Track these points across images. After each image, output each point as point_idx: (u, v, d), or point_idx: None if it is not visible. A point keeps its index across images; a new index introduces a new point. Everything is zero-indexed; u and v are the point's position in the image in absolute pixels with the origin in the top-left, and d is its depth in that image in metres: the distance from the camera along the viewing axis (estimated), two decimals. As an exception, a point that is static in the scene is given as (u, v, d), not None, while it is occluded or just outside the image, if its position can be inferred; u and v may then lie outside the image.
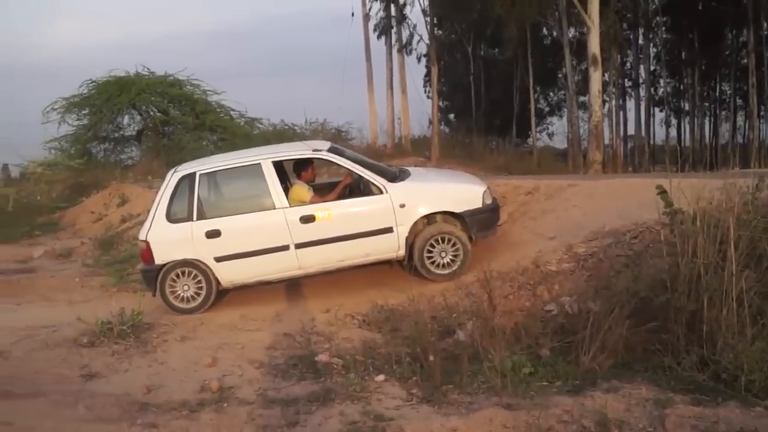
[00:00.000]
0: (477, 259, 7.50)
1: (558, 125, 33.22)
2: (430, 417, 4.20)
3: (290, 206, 7.40)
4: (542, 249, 7.24)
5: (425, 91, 33.54)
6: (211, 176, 7.61)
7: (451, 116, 35.50)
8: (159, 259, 7.41)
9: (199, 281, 7.42)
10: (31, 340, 6.51)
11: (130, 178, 20.41)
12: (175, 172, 7.70)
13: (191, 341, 6.43)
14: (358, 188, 7.71)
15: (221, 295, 7.72)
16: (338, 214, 7.40)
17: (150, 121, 25.88)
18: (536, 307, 6.07)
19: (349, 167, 7.58)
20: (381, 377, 5.01)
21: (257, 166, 7.49)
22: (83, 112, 25.04)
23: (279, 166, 7.84)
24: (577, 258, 6.74)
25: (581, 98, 26.02)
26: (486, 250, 7.72)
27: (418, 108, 26.00)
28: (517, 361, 4.72)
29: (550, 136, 32.96)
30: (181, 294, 7.44)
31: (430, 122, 28.83)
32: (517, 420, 3.95)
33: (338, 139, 25.37)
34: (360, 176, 7.54)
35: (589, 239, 7.01)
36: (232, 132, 25.44)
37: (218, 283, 7.46)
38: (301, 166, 7.99)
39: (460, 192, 7.73)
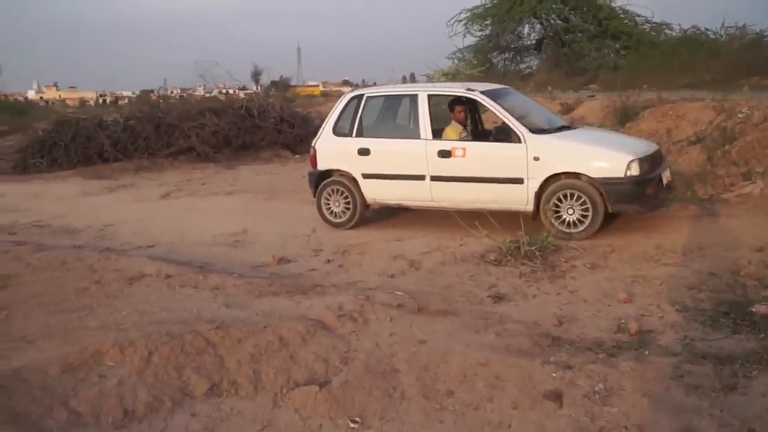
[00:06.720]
0: None
1: None
2: None
3: (433, 139, 7.58)
4: None
5: None
6: (376, 99, 8.30)
7: None
8: (321, 165, 8.26)
9: (347, 198, 8.04)
10: (441, 252, 6.74)
11: (529, 88, 20.28)
12: (349, 93, 8.52)
13: (602, 270, 5.93)
14: (505, 134, 7.37)
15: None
16: (472, 155, 7.41)
17: (550, 30, 25.53)
18: None
19: (495, 111, 7.41)
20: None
21: (415, 97, 7.88)
22: (486, 22, 25.65)
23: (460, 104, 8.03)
24: None
25: None
26: None
27: None
28: None
29: None
30: (333, 209, 8.16)
31: None
32: None
33: (761, 47, 21.13)
34: (504, 122, 7.30)
35: None
36: (637, 39, 23.80)
37: (364, 200, 7.98)
38: (454, 104, 8.04)
39: (602, 157, 6.98)
